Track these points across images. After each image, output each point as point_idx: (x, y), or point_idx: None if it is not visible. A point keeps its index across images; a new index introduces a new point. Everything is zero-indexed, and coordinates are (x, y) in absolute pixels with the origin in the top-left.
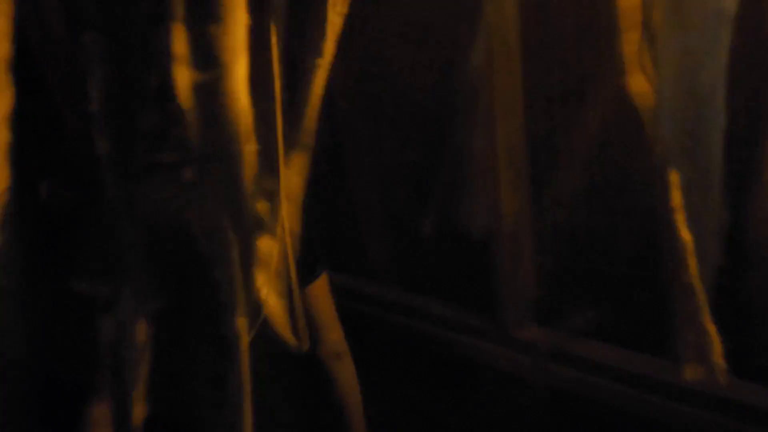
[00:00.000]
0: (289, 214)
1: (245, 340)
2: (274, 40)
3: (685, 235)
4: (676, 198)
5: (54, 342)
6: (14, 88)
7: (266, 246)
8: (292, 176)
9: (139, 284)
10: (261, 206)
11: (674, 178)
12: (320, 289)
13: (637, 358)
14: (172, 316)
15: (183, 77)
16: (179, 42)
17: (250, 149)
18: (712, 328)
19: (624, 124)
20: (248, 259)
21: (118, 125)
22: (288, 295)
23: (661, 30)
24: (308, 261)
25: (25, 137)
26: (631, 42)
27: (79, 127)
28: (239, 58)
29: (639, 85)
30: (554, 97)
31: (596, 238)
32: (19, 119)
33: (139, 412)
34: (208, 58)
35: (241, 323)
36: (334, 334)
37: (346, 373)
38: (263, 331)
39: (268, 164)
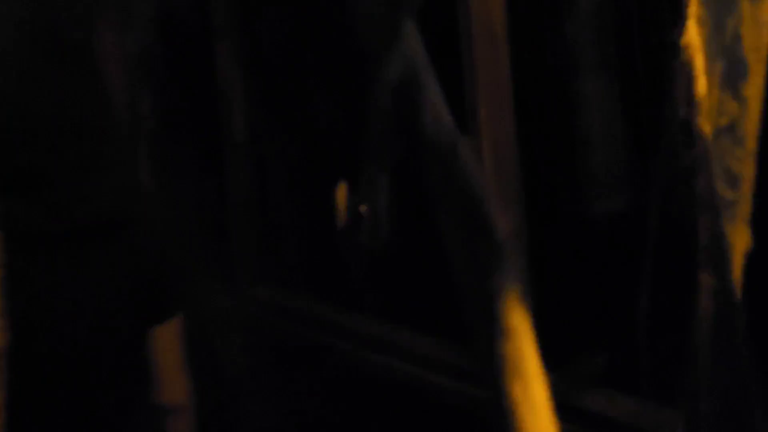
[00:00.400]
0: None
1: None
2: None
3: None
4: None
5: None
6: None
7: None
8: None
9: None
10: None
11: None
12: (170, 333)
13: (663, 414)
14: None
15: None
16: None
17: None
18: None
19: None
20: None
21: None
22: None
23: None
24: (159, 301)
25: None
26: None
27: None
28: None
29: None
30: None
31: (609, 264)
32: None
33: None
34: None
35: None
36: (176, 386)
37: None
38: None
39: None
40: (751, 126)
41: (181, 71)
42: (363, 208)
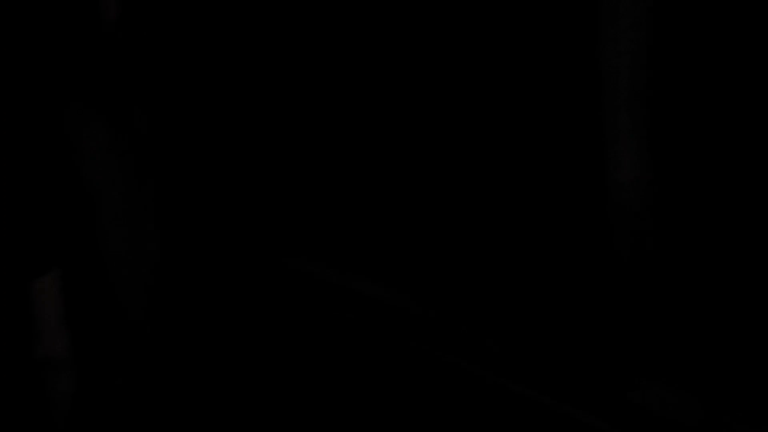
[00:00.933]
0: None
1: None
2: None
3: None
4: None
5: None
6: None
7: None
8: None
9: None
10: None
11: None
12: (48, 286)
13: None
14: None
15: None
16: None
17: None
18: None
19: None
20: None
21: None
22: None
23: None
24: (32, 253)
25: None
26: None
27: None
28: None
29: None
30: None
31: None
32: None
33: None
34: None
35: None
36: (57, 341)
37: (62, 388)
38: None
39: None
40: None
41: None
42: None
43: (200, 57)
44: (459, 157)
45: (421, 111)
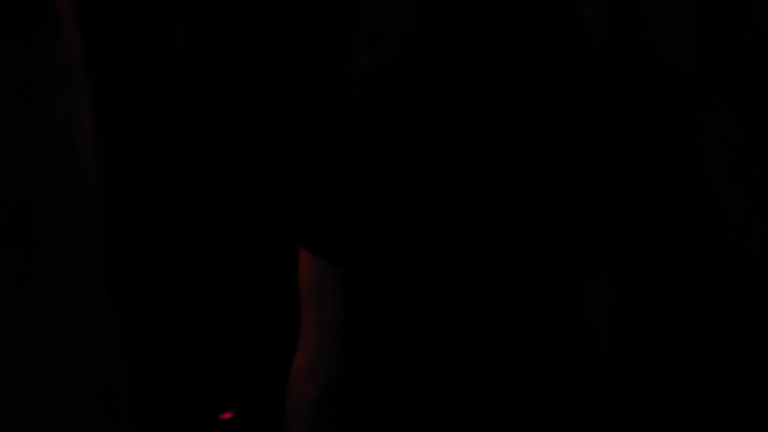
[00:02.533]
0: None
1: None
2: None
3: None
4: None
5: None
6: None
7: None
8: None
9: None
10: None
11: None
12: (604, 291)
13: None
14: None
15: None
16: None
17: None
18: None
19: None
20: None
21: None
22: None
23: None
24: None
25: None
26: None
27: None
28: None
29: None
30: None
31: None
32: None
33: None
34: None
35: None
36: (611, 356)
37: None
38: None
39: None
40: None
41: None
42: None
43: None
44: None
45: None
